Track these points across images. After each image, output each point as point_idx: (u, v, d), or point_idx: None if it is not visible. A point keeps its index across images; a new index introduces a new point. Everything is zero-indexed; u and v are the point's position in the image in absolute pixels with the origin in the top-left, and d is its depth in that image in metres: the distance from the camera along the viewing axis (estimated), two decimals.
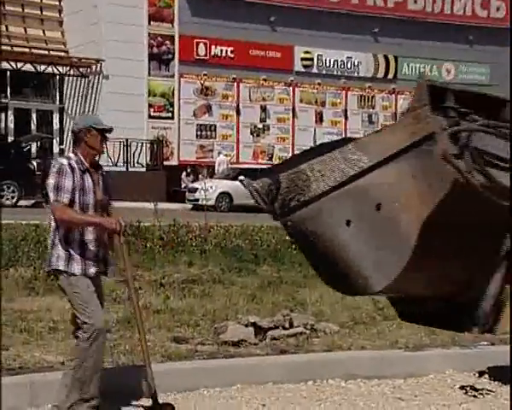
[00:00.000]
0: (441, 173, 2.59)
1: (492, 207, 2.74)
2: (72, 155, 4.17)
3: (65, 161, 4.10)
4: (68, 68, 24.38)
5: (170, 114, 25.43)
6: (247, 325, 5.74)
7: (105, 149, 4.31)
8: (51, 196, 4.04)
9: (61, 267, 4.06)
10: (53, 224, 4.13)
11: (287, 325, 5.85)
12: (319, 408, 4.62)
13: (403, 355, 5.48)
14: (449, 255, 2.88)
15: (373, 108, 28.65)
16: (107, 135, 4.25)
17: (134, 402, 4.53)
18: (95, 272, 4.14)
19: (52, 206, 4.05)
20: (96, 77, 24.24)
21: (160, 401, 4.25)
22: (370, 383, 5.13)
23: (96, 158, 4.25)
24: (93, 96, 24.30)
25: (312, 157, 2.99)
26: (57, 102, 24.75)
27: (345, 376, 5.15)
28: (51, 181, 4.04)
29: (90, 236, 4.11)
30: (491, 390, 5.05)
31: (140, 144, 23.22)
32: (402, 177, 2.68)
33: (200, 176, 25.40)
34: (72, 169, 4.06)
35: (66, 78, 24.73)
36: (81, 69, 24.32)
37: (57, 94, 24.95)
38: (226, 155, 25.42)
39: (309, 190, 2.93)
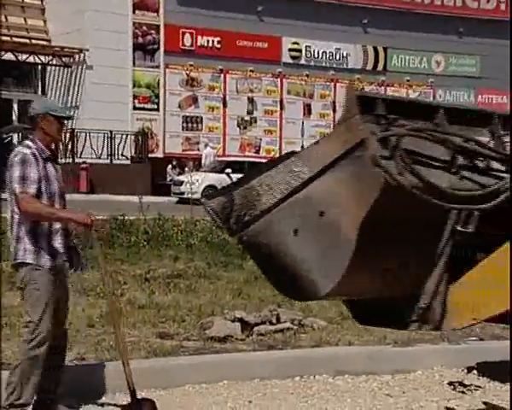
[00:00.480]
0: (372, 176, 2.81)
1: (426, 205, 2.92)
2: (30, 143, 4.02)
3: (27, 151, 3.96)
4: (51, 58, 24.24)
5: (155, 106, 25.36)
6: (233, 321, 5.75)
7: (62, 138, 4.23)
8: (17, 187, 3.89)
9: (30, 260, 3.95)
10: (16, 216, 3.97)
11: (274, 321, 5.86)
12: (306, 405, 4.64)
13: (391, 351, 5.51)
14: (388, 255, 3.02)
15: None
16: (65, 122, 4.18)
17: (115, 398, 4.53)
18: (62, 263, 4.07)
19: (18, 198, 3.89)
20: (80, 67, 24.12)
21: (141, 397, 4.24)
22: (358, 380, 5.16)
23: (52, 146, 4.15)
24: (76, 86, 24.18)
25: (263, 172, 3.20)
26: (39, 93, 24.58)
27: (332, 372, 5.18)
28: (16, 172, 3.89)
29: (57, 225, 4.03)
30: (479, 386, 5.10)
31: (124, 136, 23.15)
32: (339, 183, 2.91)
33: (185, 169, 25.35)
34: (36, 158, 3.95)
35: (49, 67, 24.59)
36: (64, 59, 24.18)
37: (39, 84, 24.81)
38: (213, 148, 25.39)
39: (259, 204, 3.15)
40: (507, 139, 3.23)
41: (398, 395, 4.92)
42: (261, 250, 3.20)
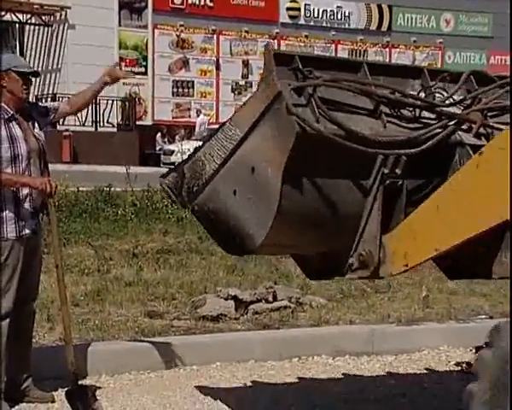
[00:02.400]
0: (288, 124, 3.11)
1: (351, 153, 3.20)
2: None
3: None
4: (29, 16, 24.04)
5: (143, 69, 25.24)
6: (227, 299, 5.77)
7: (29, 95, 4.15)
8: None
9: None
10: None
11: (270, 299, 5.89)
12: (305, 387, 4.68)
13: (394, 330, 5.55)
14: (318, 205, 3.30)
15: None
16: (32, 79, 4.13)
17: (100, 380, 4.57)
18: (31, 232, 4.03)
19: None
20: (61, 26, 23.94)
21: (92, 383, 4.23)
22: (360, 360, 5.20)
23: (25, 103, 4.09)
24: (57, 47, 24.02)
25: (207, 143, 3.58)
26: (17, 54, 24.41)
27: (332, 352, 5.22)
28: None
29: (24, 191, 3.98)
30: None
31: (110, 102, 23.04)
32: (264, 138, 3.24)
33: (176, 137, 25.34)
34: None
35: (28, 26, 24.40)
36: (44, 17, 23.99)
37: (17, 44, 24.62)
38: (205, 115, 25.33)
39: (205, 174, 3.52)
40: (439, 90, 3.51)
41: (402, 376, 4.96)
42: (209, 217, 3.53)
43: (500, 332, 2.60)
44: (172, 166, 3.79)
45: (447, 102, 3.48)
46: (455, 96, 3.51)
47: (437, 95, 3.50)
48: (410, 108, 3.44)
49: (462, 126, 3.44)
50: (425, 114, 3.47)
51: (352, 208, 3.34)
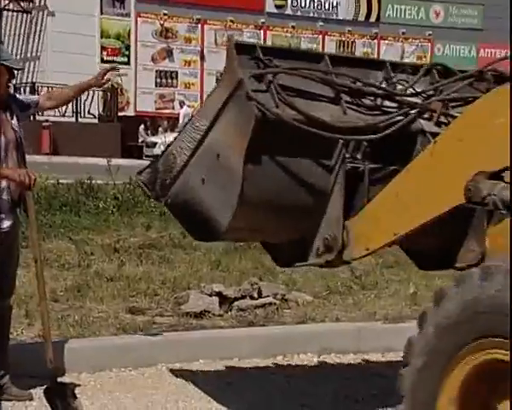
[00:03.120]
0: (248, 109, 3.30)
1: (309, 137, 3.37)
2: None
3: None
4: (7, 2, 23.85)
5: (125, 59, 25.14)
6: (210, 295, 5.77)
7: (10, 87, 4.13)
8: None
9: None
10: None
11: (255, 295, 5.89)
12: (289, 385, 4.69)
13: (381, 328, 5.57)
14: (281, 190, 3.47)
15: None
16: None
17: (81, 378, 4.56)
18: (9, 226, 4.00)
19: None
20: (40, 13, 23.79)
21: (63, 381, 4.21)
22: (346, 358, 5.21)
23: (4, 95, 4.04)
24: (37, 35, 23.87)
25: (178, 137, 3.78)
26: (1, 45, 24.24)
27: (318, 350, 5.23)
28: None
29: (2, 183, 3.95)
30: None
31: (91, 92, 22.88)
32: (228, 125, 3.43)
33: (159, 129, 25.28)
34: None
35: (5, 12, 24.20)
36: (22, 3, 23.83)
37: None
38: (189, 106, 25.28)
39: (176, 167, 3.68)
40: (401, 82, 3.71)
41: (389, 375, 4.97)
42: (181, 209, 3.70)
43: (426, 317, 2.72)
44: (152, 160, 3.90)
45: (408, 92, 3.67)
46: (418, 88, 3.70)
47: (399, 86, 3.68)
48: (372, 98, 3.60)
49: (425, 116, 3.62)
50: (386, 104, 3.64)
51: (315, 192, 3.51)
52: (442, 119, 3.62)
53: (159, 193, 3.78)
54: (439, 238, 3.50)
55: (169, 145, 3.78)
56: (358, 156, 3.47)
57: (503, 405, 2.60)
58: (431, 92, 3.70)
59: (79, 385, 4.41)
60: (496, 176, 2.80)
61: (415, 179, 3.15)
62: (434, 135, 3.48)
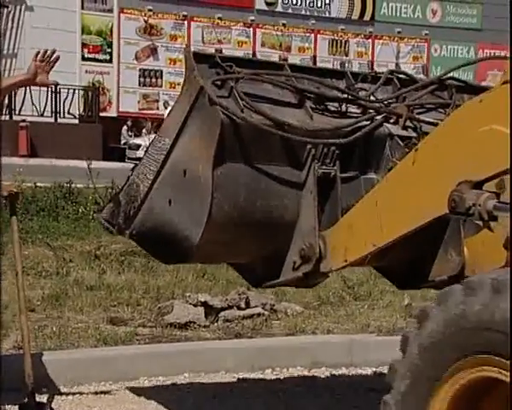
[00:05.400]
0: (213, 115, 3.32)
1: (278, 142, 3.43)
2: None
3: None
4: None
5: (107, 57, 25.12)
6: (196, 305, 5.77)
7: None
8: None
9: None
10: None
11: (242, 305, 5.90)
12: (278, 401, 4.69)
13: (375, 340, 5.58)
14: (249, 195, 3.47)
15: (346, 55, 28.76)
16: None
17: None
18: None
19: None
20: (18, 7, 23.74)
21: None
22: (337, 372, 5.22)
23: None
24: (14, 30, 23.81)
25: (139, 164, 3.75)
26: None
27: (308, 364, 5.23)
28: None
29: None
30: None
31: (71, 91, 22.91)
32: (193, 138, 3.43)
33: (143, 131, 25.25)
34: None
35: None
36: None
37: None
38: None
39: (139, 195, 3.65)
40: (362, 90, 3.79)
41: (383, 389, 4.97)
42: (148, 236, 3.65)
43: (408, 341, 2.71)
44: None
45: (371, 98, 3.77)
46: (380, 96, 3.81)
47: (360, 93, 3.77)
48: (336, 103, 3.68)
49: (390, 121, 3.71)
50: (351, 109, 3.72)
51: (287, 200, 3.52)
52: (408, 123, 3.71)
53: (122, 226, 3.73)
54: (410, 251, 3.49)
55: (129, 177, 3.74)
56: (328, 161, 3.52)
57: None
58: (393, 100, 3.80)
59: (56, 399, 4.38)
60: (478, 186, 2.82)
61: (395, 188, 3.16)
62: (403, 138, 3.59)
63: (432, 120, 3.66)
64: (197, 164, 3.38)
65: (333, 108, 3.67)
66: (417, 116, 3.72)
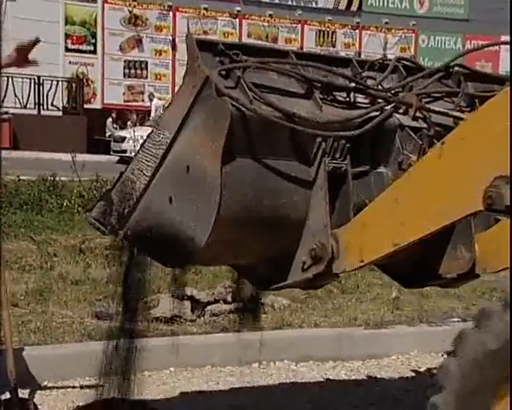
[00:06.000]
0: (221, 107, 3.11)
1: (287, 135, 3.26)
2: None
3: None
4: None
5: (91, 47, 25.00)
6: (182, 299, 5.76)
7: None
8: None
9: None
10: None
11: (229, 299, 5.90)
12: (265, 395, 4.70)
13: (362, 334, 5.60)
14: (259, 192, 3.29)
15: (333, 46, 28.76)
16: None
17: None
18: None
19: None
20: None
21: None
22: (324, 366, 5.23)
23: None
24: None
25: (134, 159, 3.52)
26: None
27: (296, 357, 5.24)
28: None
29: None
30: None
31: (55, 83, 22.80)
32: (196, 131, 3.21)
33: (128, 123, 25.17)
34: None
35: None
36: None
37: None
38: (160, 99, 25.22)
39: (135, 192, 3.41)
40: (369, 79, 3.66)
41: (370, 383, 5.01)
42: (146, 237, 3.41)
43: (464, 340, 2.64)
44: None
45: (379, 87, 3.61)
46: (386, 85, 3.64)
47: (368, 81, 3.62)
48: (344, 93, 3.53)
49: (400, 111, 3.55)
50: (359, 99, 3.57)
51: (296, 197, 3.36)
52: (417, 113, 3.56)
53: (115, 226, 3.48)
54: (416, 247, 3.29)
55: (122, 173, 3.50)
56: (339, 155, 3.36)
57: None
58: (399, 89, 3.65)
59: (41, 395, 4.38)
60: None
61: (419, 184, 2.98)
62: (414, 129, 3.46)
63: (443, 110, 3.52)
64: (202, 159, 3.17)
65: (340, 98, 3.53)
66: (427, 106, 3.58)
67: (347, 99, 3.54)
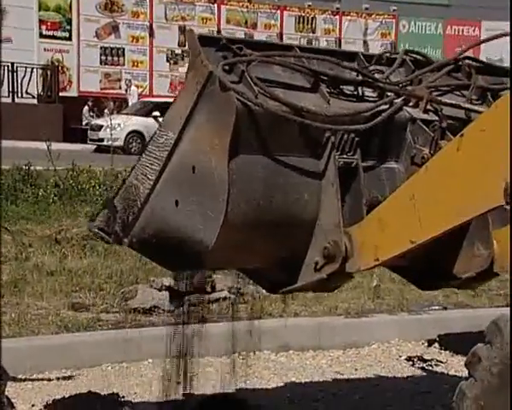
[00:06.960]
0: (226, 102, 3.05)
1: (295, 129, 3.19)
2: None
3: None
4: None
5: (67, 34, 24.82)
6: (160, 289, 5.76)
7: None
8: None
9: None
10: None
11: (208, 289, 5.90)
12: (245, 385, 4.71)
13: (342, 323, 5.63)
14: (269, 190, 3.21)
15: (313, 32, 28.77)
16: None
17: (16, 381, 4.52)
18: None
19: None
20: None
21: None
22: (305, 356, 5.26)
23: None
24: None
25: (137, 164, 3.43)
26: None
27: (275, 347, 5.26)
28: None
29: None
30: (441, 361, 5.27)
31: (29, 70, 22.62)
32: (200, 128, 3.14)
33: (105, 111, 25.04)
34: None
35: None
36: None
37: None
38: (137, 87, 25.13)
39: (139, 198, 3.35)
40: (376, 73, 3.61)
41: (350, 372, 5.04)
42: (151, 243, 3.34)
43: (500, 328, 2.61)
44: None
45: (387, 80, 3.56)
46: (394, 79, 3.58)
47: (376, 75, 3.57)
48: (351, 86, 3.47)
49: (409, 104, 3.49)
50: (367, 93, 3.51)
51: (307, 194, 3.28)
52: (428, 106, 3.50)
53: (120, 234, 3.41)
54: (430, 246, 3.18)
55: (124, 180, 3.45)
56: (348, 150, 3.28)
57: None
58: (409, 81, 3.59)
59: (16, 388, 4.36)
60: None
61: (437, 179, 2.90)
62: (425, 122, 3.40)
63: (455, 103, 3.47)
64: (208, 158, 3.09)
65: (348, 92, 3.46)
66: (438, 98, 3.52)
67: (355, 93, 3.47)
